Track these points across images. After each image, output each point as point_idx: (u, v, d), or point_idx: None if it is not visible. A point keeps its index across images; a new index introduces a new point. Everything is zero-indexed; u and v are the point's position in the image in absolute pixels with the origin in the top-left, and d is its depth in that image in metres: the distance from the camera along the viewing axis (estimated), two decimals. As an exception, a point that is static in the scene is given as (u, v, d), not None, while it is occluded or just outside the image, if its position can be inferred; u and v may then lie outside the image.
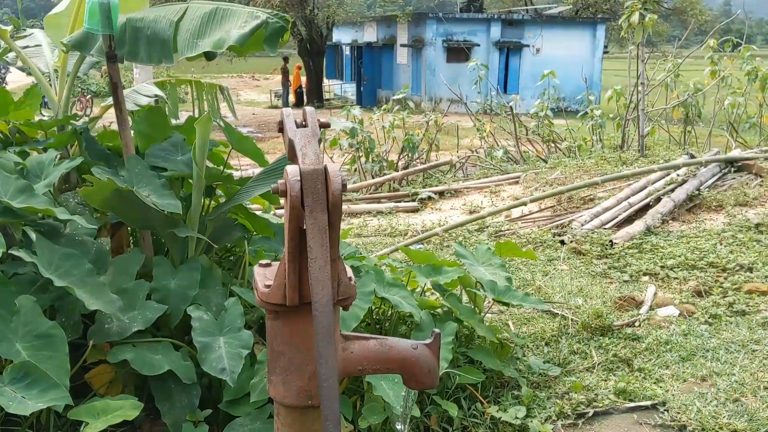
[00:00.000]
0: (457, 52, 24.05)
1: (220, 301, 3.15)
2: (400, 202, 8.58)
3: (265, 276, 1.95)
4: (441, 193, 8.69)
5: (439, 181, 9.32)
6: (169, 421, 2.90)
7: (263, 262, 2.06)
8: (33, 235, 2.70)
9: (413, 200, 8.54)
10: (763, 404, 3.12)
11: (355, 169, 9.70)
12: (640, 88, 9.63)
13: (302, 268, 1.82)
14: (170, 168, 3.31)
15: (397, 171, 9.56)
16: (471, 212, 7.57)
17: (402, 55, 27.14)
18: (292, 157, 1.82)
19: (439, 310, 3.54)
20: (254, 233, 3.64)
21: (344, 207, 8.22)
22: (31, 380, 2.27)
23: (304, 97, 27.34)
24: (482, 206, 7.77)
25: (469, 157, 10.05)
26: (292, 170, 1.70)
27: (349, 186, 9.14)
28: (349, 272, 1.96)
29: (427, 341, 2.05)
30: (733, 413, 3.06)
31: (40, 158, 3.13)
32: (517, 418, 3.16)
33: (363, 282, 3.25)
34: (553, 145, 10.42)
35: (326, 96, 29.41)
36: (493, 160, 9.79)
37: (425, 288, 3.77)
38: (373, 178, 9.34)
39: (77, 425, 2.73)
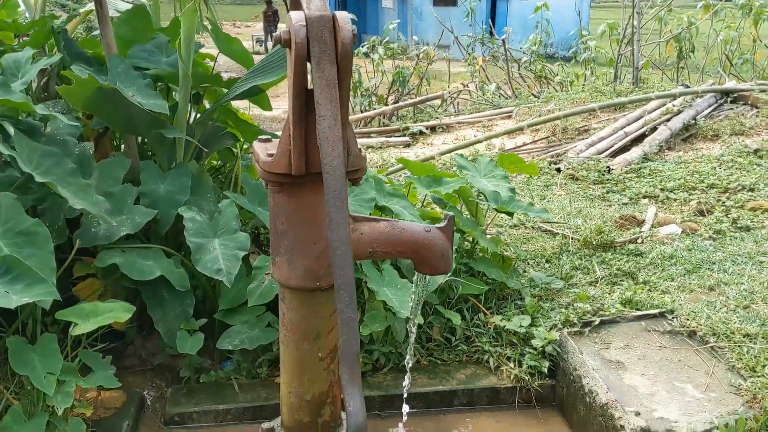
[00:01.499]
0: (445, -5, 23.51)
1: (212, 208, 3.00)
2: (390, 137, 8.39)
3: (266, 148, 1.79)
4: (433, 128, 8.51)
5: (431, 116, 9.12)
6: (162, 330, 2.78)
7: (262, 137, 1.90)
8: (11, 130, 2.51)
9: (404, 135, 8.35)
10: (774, 309, 3.05)
11: (344, 105, 9.45)
12: (635, 22, 9.41)
13: (309, 133, 1.66)
14: (154, 69, 3.11)
15: (387, 106, 9.34)
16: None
17: (387, -2, 26.55)
18: (294, 4, 1.64)
19: (440, 221, 3.41)
20: (244, 143, 3.47)
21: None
22: (15, 275, 2.11)
23: None
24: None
25: (460, 91, 9.83)
26: (296, 16, 1.53)
27: (338, 121, 8.92)
28: (359, 143, 1.81)
29: (441, 224, 1.92)
30: (744, 318, 2.98)
31: (16, 56, 2.92)
32: (521, 326, 3.07)
33: (362, 189, 3.11)
34: (545, 81, 10.23)
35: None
36: (485, 94, 9.59)
37: (425, 202, 3.63)
38: (363, 112, 9.12)
39: (65, 335, 2.59)
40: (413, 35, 24.35)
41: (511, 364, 2.99)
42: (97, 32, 4.58)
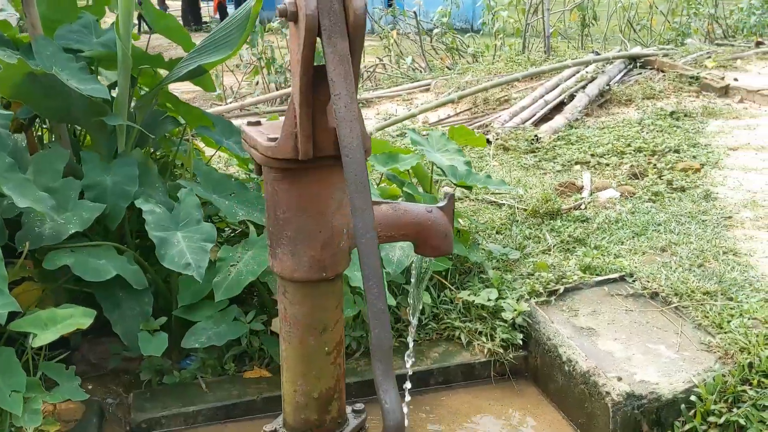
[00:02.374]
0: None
1: (162, 199, 2.79)
2: (309, 114, 8.21)
3: (262, 132, 1.65)
4: (352, 103, 8.38)
5: (348, 91, 8.98)
6: (120, 331, 2.57)
7: (252, 120, 1.76)
8: (-65, 124, 2.23)
9: (323, 111, 8.19)
10: (727, 266, 3.16)
11: (257, 82, 9.18)
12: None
13: (316, 113, 1.54)
14: (88, 50, 2.85)
15: (303, 83, 9.09)
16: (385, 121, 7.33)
17: (284, -28, 25.86)
18: (298, -27, 1.50)
19: (401, 199, 3.33)
20: (186, 126, 3.25)
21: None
22: (-36, 287, 1.88)
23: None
24: (396, 114, 7.54)
25: (376, 65, 9.74)
26: (304, -15, 1.39)
27: (253, 99, 8.64)
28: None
29: (441, 204, 1.85)
30: (701, 277, 3.08)
31: (-75, 40, 2.59)
32: (489, 300, 3.06)
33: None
34: (457, 53, 10.28)
35: (206, 18, 27.68)
36: (401, 68, 9.54)
37: (381, 179, 3.54)
38: (278, 90, 8.87)
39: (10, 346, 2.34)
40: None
41: (483, 339, 2.97)
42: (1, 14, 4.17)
